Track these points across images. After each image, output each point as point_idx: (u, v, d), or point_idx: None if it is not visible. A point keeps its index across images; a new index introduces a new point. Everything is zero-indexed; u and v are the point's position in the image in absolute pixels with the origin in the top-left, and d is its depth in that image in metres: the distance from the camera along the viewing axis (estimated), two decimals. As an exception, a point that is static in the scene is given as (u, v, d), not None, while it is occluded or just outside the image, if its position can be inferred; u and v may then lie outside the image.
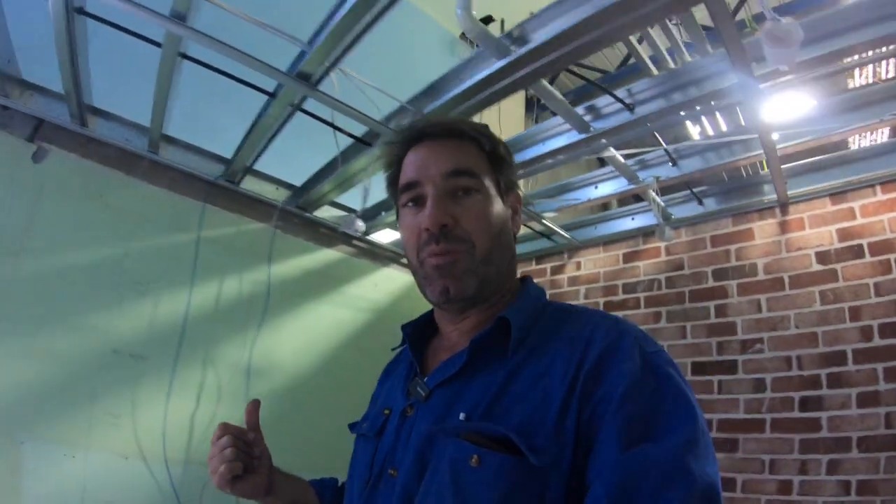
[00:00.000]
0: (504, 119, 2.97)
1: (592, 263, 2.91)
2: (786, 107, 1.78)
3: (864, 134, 2.87)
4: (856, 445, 1.76)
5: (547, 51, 1.45)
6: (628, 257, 2.78)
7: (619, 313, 2.60)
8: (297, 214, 2.54)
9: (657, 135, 2.11)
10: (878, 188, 1.98)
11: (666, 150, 2.17)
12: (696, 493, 0.48)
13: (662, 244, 2.59)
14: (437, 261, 0.67)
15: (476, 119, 2.61)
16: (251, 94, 1.83)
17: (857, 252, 1.96)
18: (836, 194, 2.09)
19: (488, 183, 0.72)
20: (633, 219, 2.77)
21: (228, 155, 2.21)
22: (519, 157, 2.07)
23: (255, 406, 0.82)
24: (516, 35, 1.56)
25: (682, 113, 1.88)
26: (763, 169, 2.30)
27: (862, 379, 1.82)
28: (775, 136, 1.86)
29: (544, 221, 2.62)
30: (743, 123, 2.04)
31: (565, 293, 2.95)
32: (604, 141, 1.96)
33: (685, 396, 0.57)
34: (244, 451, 0.77)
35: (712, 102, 1.78)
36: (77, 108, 1.80)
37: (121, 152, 1.99)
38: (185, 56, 1.62)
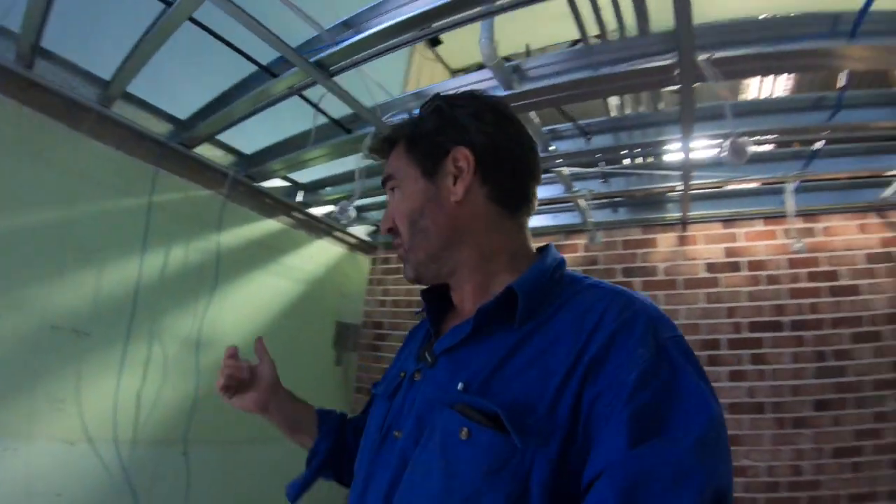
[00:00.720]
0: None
1: None
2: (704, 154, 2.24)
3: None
4: (727, 409, 2.33)
5: (544, 93, 1.69)
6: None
7: None
8: (246, 184, 2.46)
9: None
10: (761, 221, 2.53)
11: (602, 172, 2.54)
12: (706, 495, 0.47)
13: (582, 242, 2.99)
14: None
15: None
16: (225, 62, 1.77)
17: (736, 267, 2.50)
18: (727, 221, 2.59)
19: (408, 172, 0.75)
20: (555, 216, 3.12)
21: (184, 116, 2.08)
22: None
23: (259, 341, 1.00)
24: (522, 68, 1.75)
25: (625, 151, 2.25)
26: (672, 192, 2.78)
27: (732, 360, 2.37)
28: (693, 173, 2.30)
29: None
30: (665, 159, 2.49)
31: None
32: (560, 160, 2.24)
33: (700, 389, 0.54)
34: (239, 372, 0.93)
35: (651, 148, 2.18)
36: (30, 48, 1.57)
37: (67, 103, 1.77)
38: (194, 21, 1.51)
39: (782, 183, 2.29)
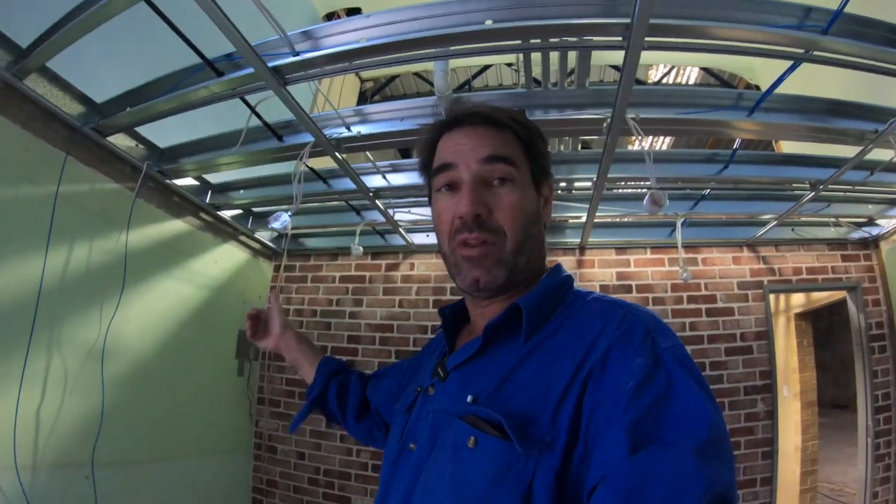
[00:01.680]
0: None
1: (426, 266, 3.34)
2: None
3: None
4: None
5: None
6: None
7: None
8: (157, 180, 2.28)
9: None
10: (648, 250, 3.02)
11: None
12: (707, 502, 0.47)
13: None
14: (470, 252, 0.69)
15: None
16: (159, 50, 1.68)
17: (628, 289, 2.93)
18: (620, 248, 3.03)
19: (523, 172, 0.72)
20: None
21: (101, 100, 1.89)
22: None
23: (273, 293, 1.23)
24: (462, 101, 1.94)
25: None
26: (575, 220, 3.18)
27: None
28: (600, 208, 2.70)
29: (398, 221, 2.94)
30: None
31: (398, 287, 3.32)
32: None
33: (698, 396, 0.54)
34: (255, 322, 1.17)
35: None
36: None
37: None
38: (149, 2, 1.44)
39: (672, 219, 2.80)
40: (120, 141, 2.06)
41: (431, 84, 5.30)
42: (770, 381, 2.75)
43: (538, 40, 1.68)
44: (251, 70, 1.63)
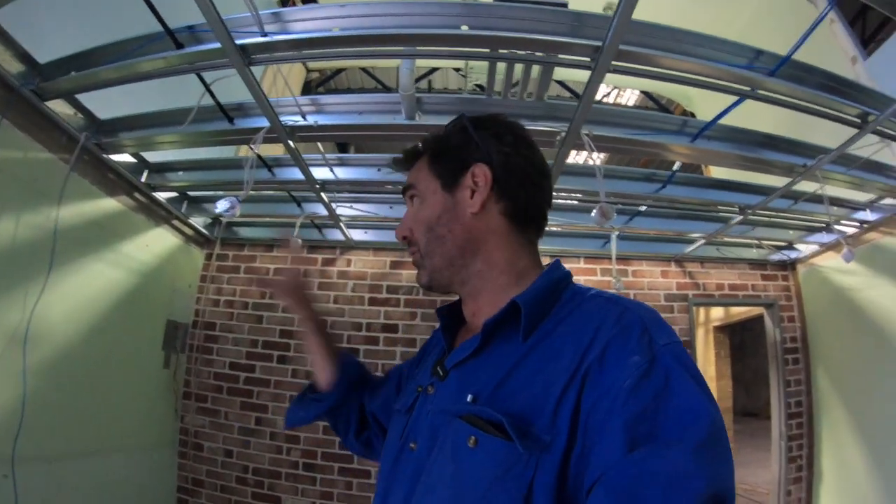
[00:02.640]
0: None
1: (362, 263, 3.35)
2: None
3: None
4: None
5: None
6: (395, 265, 3.36)
7: (381, 309, 3.24)
8: (94, 154, 2.16)
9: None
10: (582, 259, 3.21)
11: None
12: (705, 499, 0.47)
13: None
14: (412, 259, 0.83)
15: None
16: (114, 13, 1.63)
17: None
18: (554, 256, 3.14)
19: (427, 185, 0.80)
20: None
21: (44, 59, 1.78)
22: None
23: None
24: (423, 101, 2.01)
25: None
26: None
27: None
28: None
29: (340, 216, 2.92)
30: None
31: (333, 283, 3.32)
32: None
33: (695, 394, 0.55)
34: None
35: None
36: None
37: None
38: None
39: (607, 231, 2.97)
40: (59, 108, 1.94)
41: (377, 80, 5.35)
42: (691, 389, 2.99)
43: (506, 51, 1.75)
44: (217, 45, 1.60)
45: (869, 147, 2.05)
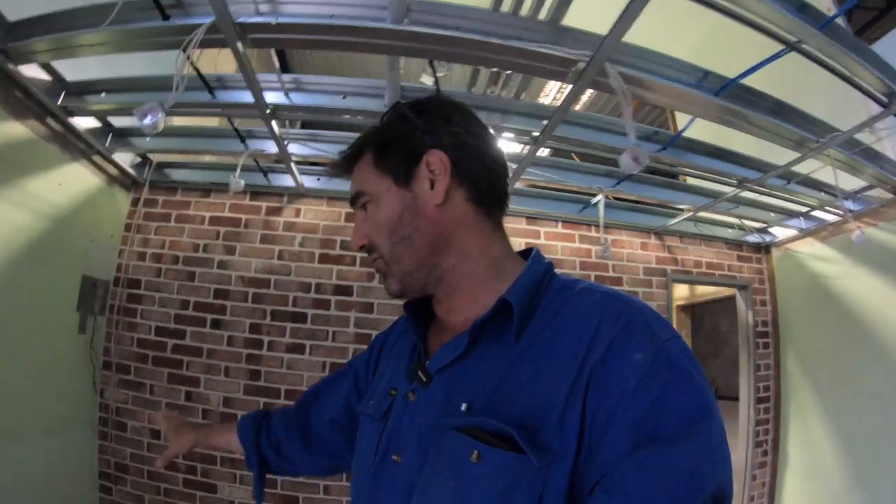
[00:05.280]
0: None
1: (313, 214, 3.07)
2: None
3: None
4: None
5: (427, 40, 1.69)
6: (350, 217, 3.09)
7: (335, 267, 3.01)
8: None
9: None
10: (559, 224, 3.09)
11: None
12: (708, 497, 0.50)
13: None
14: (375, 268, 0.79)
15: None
16: None
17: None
18: (531, 218, 3.08)
19: (378, 186, 0.76)
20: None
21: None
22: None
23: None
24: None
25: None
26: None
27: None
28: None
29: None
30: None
31: (278, 236, 3.03)
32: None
33: (700, 391, 0.56)
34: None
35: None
36: None
37: None
38: None
39: (587, 194, 2.87)
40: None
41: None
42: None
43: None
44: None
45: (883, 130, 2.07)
